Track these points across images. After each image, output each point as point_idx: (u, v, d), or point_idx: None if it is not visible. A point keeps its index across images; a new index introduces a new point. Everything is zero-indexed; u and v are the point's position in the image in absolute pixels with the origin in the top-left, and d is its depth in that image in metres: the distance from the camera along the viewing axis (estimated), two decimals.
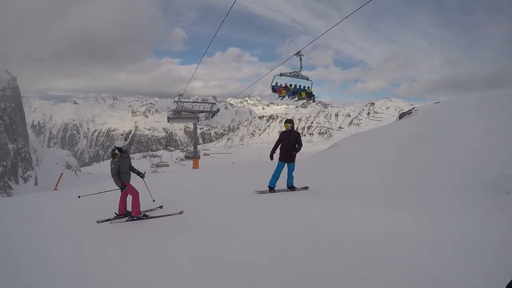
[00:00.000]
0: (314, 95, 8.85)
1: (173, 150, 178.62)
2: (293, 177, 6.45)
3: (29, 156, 67.31)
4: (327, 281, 2.87)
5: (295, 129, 6.52)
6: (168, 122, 28.87)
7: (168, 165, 53.92)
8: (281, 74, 8.08)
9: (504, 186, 5.70)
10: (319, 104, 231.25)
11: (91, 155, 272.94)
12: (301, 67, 8.01)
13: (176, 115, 28.09)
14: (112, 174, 5.07)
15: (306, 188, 6.64)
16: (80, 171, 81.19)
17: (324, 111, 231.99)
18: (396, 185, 6.75)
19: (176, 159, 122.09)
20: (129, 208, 5.36)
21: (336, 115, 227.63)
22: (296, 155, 6.36)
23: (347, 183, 7.41)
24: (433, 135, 11.39)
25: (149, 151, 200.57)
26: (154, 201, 5.71)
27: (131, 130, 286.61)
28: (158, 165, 50.25)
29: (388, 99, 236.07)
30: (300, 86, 8.63)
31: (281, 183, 6.41)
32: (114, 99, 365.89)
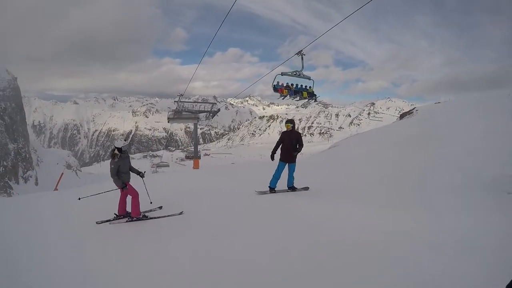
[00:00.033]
0: (315, 95, 8.78)
1: (173, 150, 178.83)
2: (293, 178, 6.42)
3: (29, 156, 67.42)
4: (327, 281, 2.88)
5: (296, 129, 6.47)
6: (168, 122, 28.74)
7: (168, 165, 53.84)
8: (282, 74, 8.02)
9: (504, 186, 5.68)
10: (320, 104, 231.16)
11: (92, 155, 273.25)
12: (302, 67, 7.95)
13: (177, 115, 27.99)
14: (111, 174, 5.08)
15: (306, 188, 6.61)
16: (81, 171, 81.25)
17: (324, 111, 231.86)
18: (397, 185, 6.74)
19: (177, 159, 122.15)
20: (128, 208, 5.36)
21: (337, 115, 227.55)
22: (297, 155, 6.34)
23: (348, 183, 7.39)
24: (433, 135, 11.38)
25: (150, 151, 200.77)
26: (151, 203, 5.72)
27: (131, 130, 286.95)
28: (158, 165, 50.19)
29: (389, 99, 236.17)
30: (301, 85, 8.58)
31: (282, 183, 6.40)
32: (114, 99, 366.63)
